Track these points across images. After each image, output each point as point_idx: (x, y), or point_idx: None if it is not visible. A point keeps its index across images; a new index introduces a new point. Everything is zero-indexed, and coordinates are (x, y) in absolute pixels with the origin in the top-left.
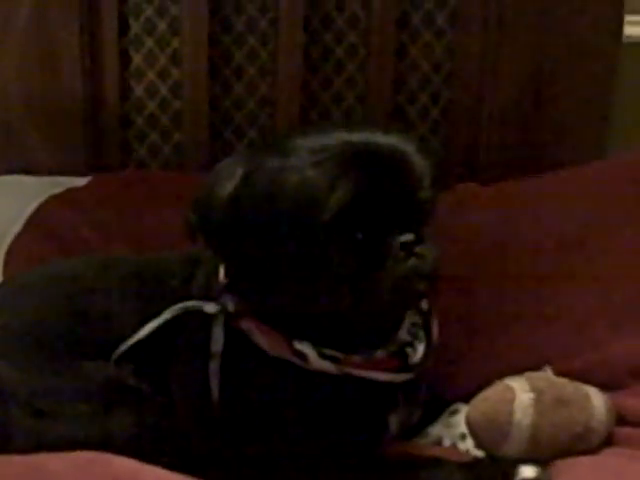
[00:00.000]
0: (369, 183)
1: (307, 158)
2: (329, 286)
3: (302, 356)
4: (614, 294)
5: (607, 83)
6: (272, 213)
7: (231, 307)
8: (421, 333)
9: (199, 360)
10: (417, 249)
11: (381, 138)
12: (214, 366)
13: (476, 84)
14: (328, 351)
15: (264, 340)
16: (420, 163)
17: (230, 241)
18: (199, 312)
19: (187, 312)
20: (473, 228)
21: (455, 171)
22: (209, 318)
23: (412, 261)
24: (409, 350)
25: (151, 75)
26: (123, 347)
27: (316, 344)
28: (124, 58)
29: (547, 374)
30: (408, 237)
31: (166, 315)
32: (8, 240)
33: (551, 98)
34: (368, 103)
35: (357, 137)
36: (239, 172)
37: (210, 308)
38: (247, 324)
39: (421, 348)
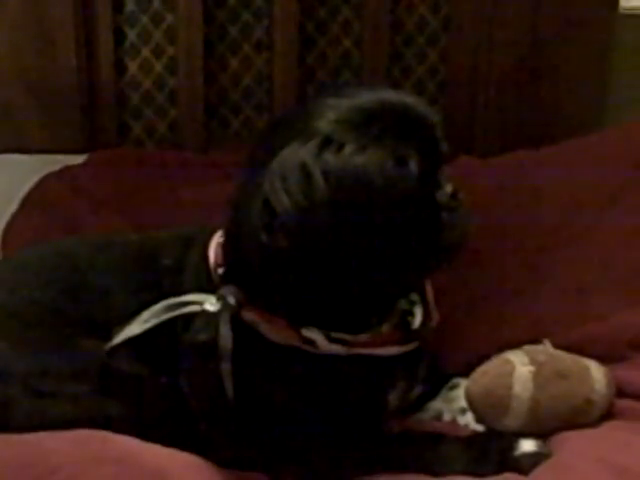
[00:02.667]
0: (420, 146)
1: (360, 136)
2: (418, 252)
3: (310, 342)
4: (613, 266)
5: (603, 55)
6: (363, 205)
7: (232, 300)
8: (416, 297)
9: (209, 361)
10: (459, 195)
11: (404, 98)
12: (226, 366)
13: (472, 58)
14: (336, 334)
15: (271, 330)
16: (437, 116)
17: (328, 243)
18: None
19: (171, 306)
20: (471, 202)
21: (452, 146)
22: (213, 314)
23: (462, 204)
24: (410, 319)
25: (146, 52)
26: (117, 340)
27: (323, 328)
28: (118, 35)
29: (546, 347)
30: (450, 187)
31: (164, 314)
32: (5, 219)
33: (547, 71)
34: (364, 77)
35: (389, 99)
36: (315, 173)
37: (212, 306)
38: (251, 315)
39: (419, 311)
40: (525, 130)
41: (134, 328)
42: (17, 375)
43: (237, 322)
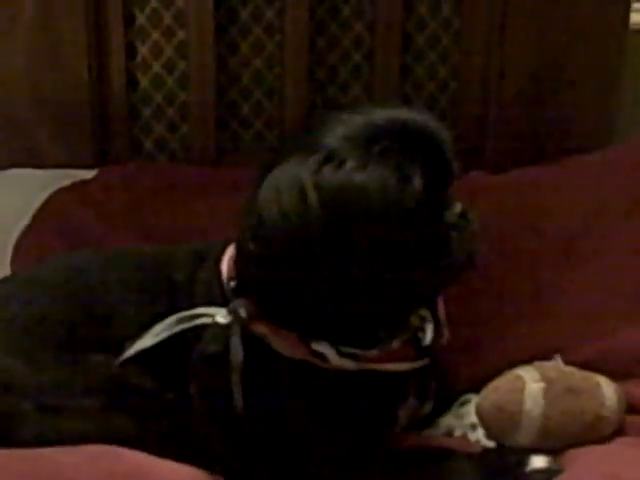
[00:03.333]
0: (427, 164)
1: (363, 152)
2: (420, 268)
3: (321, 356)
4: (623, 283)
5: (614, 71)
6: (360, 222)
7: (243, 313)
8: (427, 313)
9: (219, 372)
10: (468, 215)
11: (416, 115)
12: (236, 379)
13: (482, 74)
14: (346, 349)
15: (281, 343)
16: (447, 135)
17: (321, 257)
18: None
19: (182, 319)
20: (480, 217)
21: (462, 160)
22: (224, 327)
23: (471, 224)
24: (420, 335)
25: (157, 67)
26: (128, 353)
27: (333, 343)
28: (130, 50)
29: (557, 363)
30: (459, 207)
31: (176, 327)
32: (16, 233)
33: (558, 88)
34: (374, 92)
35: (399, 117)
36: (308, 188)
37: (223, 319)
38: (261, 328)
39: (430, 328)
40: (535, 146)
41: (146, 341)
42: (28, 390)
43: (248, 335)
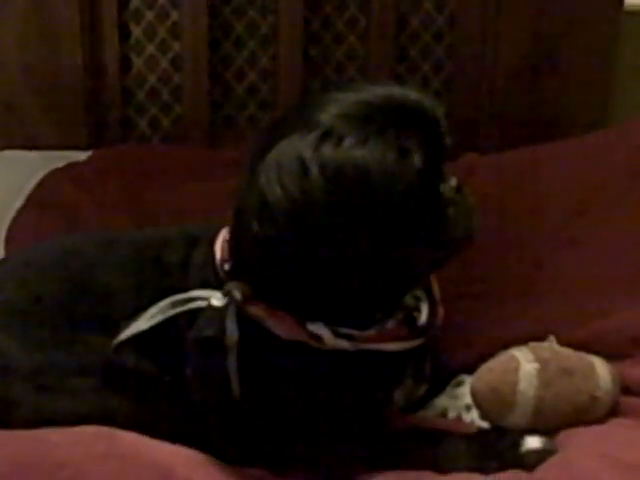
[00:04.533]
0: (425, 141)
1: (361, 129)
2: (418, 245)
3: (316, 337)
4: (617, 264)
5: (608, 52)
6: (363, 198)
7: (238, 295)
8: (422, 294)
9: (215, 355)
10: (464, 190)
11: (409, 92)
12: (232, 361)
13: (477, 55)
14: (342, 329)
15: (277, 325)
16: (440, 110)
17: (324, 238)
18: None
19: (177, 302)
20: (475, 198)
21: (456, 142)
22: (219, 309)
23: (467, 199)
24: (416, 314)
25: (151, 48)
26: (123, 335)
27: (329, 323)
28: (124, 31)
29: (551, 344)
30: (455, 181)
31: (170, 310)
32: (10, 215)
33: (552, 68)
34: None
35: (393, 94)
36: (311, 165)
37: (218, 301)
38: (257, 310)
39: (425, 308)
40: (530, 127)
41: (140, 324)
42: (22, 371)
43: (243, 317)
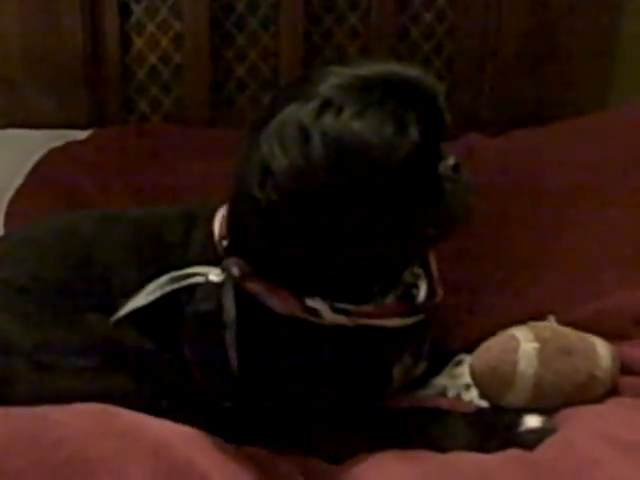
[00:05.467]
0: (423, 116)
1: (360, 101)
2: (413, 222)
3: (314, 312)
4: (618, 244)
5: (608, 37)
6: (361, 168)
7: (236, 271)
8: (421, 271)
9: (213, 330)
10: (461, 168)
11: (410, 70)
12: (230, 336)
13: (479, 36)
14: (340, 304)
15: (275, 300)
16: (440, 88)
17: (323, 206)
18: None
19: (175, 278)
20: (475, 178)
21: (458, 123)
22: (217, 285)
23: (465, 177)
24: (414, 291)
25: (152, 27)
26: (122, 312)
27: (327, 298)
28: (124, 10)
29: (551, 324)
30: (452, 159)
31: (169, 286)
32: (10, 193)
33: (553, 51)
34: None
35: (392, 71)
36: (313, 134)
37: (216, 277)
38: (255, 286)
39: (424, 286)
40: (530, 109)
41: (139, 300)
42: (21, 349)
43: (241, 293)
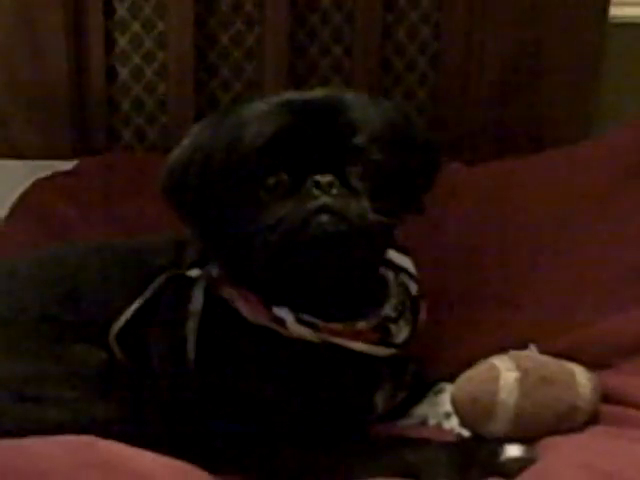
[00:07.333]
0: (293, 122)
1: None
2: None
3: (280, 322)
4: (599, 273)
5: (593, 63)
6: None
7: (215, 272)
8: (408, 315)
9: (177, 319)
10: (334, 191)
11: (321, 92)
12: (191, 324)
13: (462, 64)
14: (307, 317)
15: (243, 305)
16: (357, 114)
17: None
18: (182, 277)
19: (171, 279)
20: (460, 209)
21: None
22: (191, 282)
23: (323, 198)
24: (392, 327)
25: (136, 58)
26: (116, 326)
27: (296, 310)
28: (109, 41)
29: (532, 353)
30: (326, 178)
31: (154, 285)
32: None
33: (536, 79)
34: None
35: (300, 93)
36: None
37: (193, 272)
38: (229, 291)
39: (406, 330)
40: (515, 137)
41: (132, 307)
42: (5, 381)
43: (217, 298)
